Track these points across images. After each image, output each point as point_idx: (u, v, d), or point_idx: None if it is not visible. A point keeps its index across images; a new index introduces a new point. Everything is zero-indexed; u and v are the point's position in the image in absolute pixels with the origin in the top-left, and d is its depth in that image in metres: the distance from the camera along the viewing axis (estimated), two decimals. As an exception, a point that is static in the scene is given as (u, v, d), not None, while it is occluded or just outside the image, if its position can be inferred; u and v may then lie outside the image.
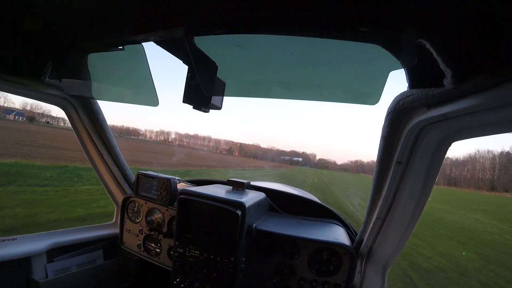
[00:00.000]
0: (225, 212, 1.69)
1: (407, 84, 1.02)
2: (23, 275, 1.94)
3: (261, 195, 2.14)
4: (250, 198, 1.88)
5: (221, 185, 2.28)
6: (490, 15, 0.65)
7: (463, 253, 11.71)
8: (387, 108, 1.16)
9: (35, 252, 1.96)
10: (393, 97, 1.10)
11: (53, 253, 2.12)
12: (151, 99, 1.49)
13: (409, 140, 1.16)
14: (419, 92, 0.95)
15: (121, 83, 1.72)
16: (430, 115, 0.98)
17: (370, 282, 1.79)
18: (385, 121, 1.17)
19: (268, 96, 1.32)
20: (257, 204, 1.97)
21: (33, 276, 1.96)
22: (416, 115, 1.06)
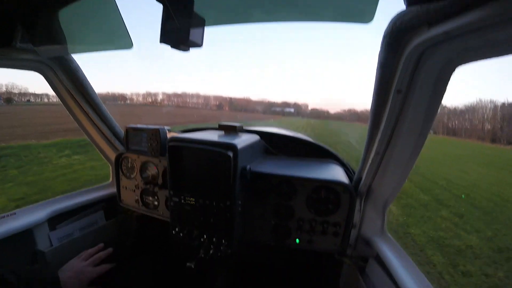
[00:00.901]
0: (217, 156, 1.65)
1: (404, 2, 0.91)
2: (28, 247, 1.94)
3: (255, 137, 2.08)
4: (242, 140, 1.83)
5: (212, 130, 2.23)
6: None
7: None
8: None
9: (36, 223, 1.95)
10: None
11: (54, 221, 2.11)
12: (124, 41, 1.43)
13: (408, 65, 1.05)
14: (418, 9, 0.84)
15: (94, 32, 1.64)
16: (432, 34, 0.88)
17: (370, 220, 1.80)
18: (382, 46, 1.06)
19: (248, 21, 1.22)
20: (250, 146, 1.92)
21: (37, 246, 1.97)
22: (416, 35, 0.95)
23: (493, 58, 0.89)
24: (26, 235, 1.91)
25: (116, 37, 1.50)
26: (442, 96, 1.13)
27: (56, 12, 1.41)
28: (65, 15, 1.43)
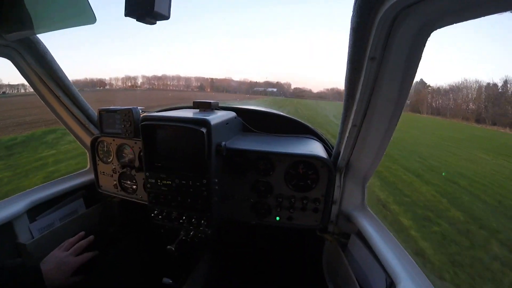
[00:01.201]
0: (190, 133, 1.61)
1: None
2: (9, 240, 1.88)
3: (231, 113, 2.05)
4: (216, 116, 1.80)
5: (187, 109, 2.19)
6: None
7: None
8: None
9: (15, 215, 1.88)
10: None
11: (34, 212, 2.05)
12: (87, 16, 1.34)
13: (382, 30, 1.00)
14: None
15: (56, 9, 1.53)
16: None
17: (350, 195, 1.81)
18: (353, 10, 1.00)
19: None
20: (226, 123, 1.89)
21: (18, 239, 1.91)
22: None
23: (470, 20, 0.86)
24: (5, 228, 1.85)
25: (78, 12, 1.41)
26: (418, 63, 1.10)
27: None
28: None
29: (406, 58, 1.09)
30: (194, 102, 2.08)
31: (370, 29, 1.04)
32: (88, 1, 1.28)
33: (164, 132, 1.71)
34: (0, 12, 1.41)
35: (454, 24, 0.92)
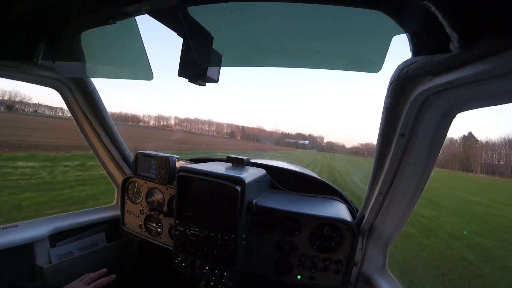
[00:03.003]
0: (225, 189, 1.68)
1: (410, 52, 0.98)
2: (26, 261, 1.94)
3: (261, 171, 2.11)
4: (249, 174, 1.86)
5: (220, 162, 2.26)
6: None
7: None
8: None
9: (37, 238, 1.96)
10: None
11: (55, 238, 2.12)
12: (145, 73, 1.47)
13: (412, 111, 1.13)
14: (423, 59, 0.91)
15: (115, 59, 1.69)
16: (435, 83, 0.94)
17: (372, 258, 1.80)
18: (388, 91, 1.13)
19: (266, 65, 1.30)
20: (257, 181, 1.95)
21: (36, 262, 1.96)
22: (420, 83, 1.02)
23: (494, 106, 0.96)
24: (26, 249, 1.92)
25: (137, 67, 1.54)
26: (443, 141, 1.21)
27: (80, 34, 1.46)
28: (88, 38, 1.48)
29: (432, 136, 1.20)
30: (227, 157, 2.16)
31: (402, 109, 1.16)
32: (148, 59, 1.41)
33: (199, 185, 1.77)
34: (59, 48, 1.52)
35: (477, 108, 1.03)
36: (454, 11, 0.72)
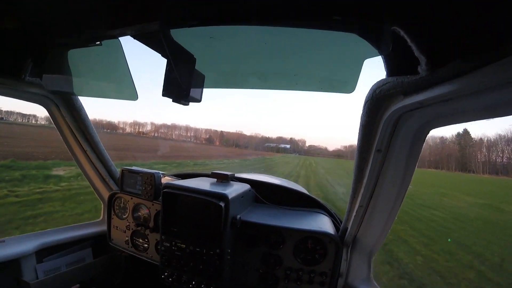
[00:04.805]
0: (209, 205, 1.71)
1: (385, 73, 1.03)
2: (13, 277, 1.93)
3: (246, 186, 2.15)
4: (233, 189, 1.90)
5: (205, 178, 2.29)
6: (462, 1, 0.66)
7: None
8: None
9: (23, 253, 1.95)
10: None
11: (42, 253, 2.11)
12: (130, 93, 1.51)
13: (387, 129, 1.19)
14: (395, 80, 0.97)
15: (101, 79, 1.72)
16: (407, 102, 1.00)
17: (356, 269, 1.84)
18: (363, 110, 1.19)
19: (245, 87, 1.35)
20: (241, 196, 1.98)
21: (23, 277, 1.95)
22: (393, 103, 1.08)
23: (463, 123, 1.02)
24: (12, 264, 1.91)
25: (122, 87, 1.58)
26: (419, 155, 1.28)
27: (67, 52, 1.49)
28: (75, 56, 1.51)
29: (408, 151, 1.27)
30: (212, 173, 2.20)
31: (378, 127, 1.22)
32: (133, 79, 1.45)
33: (184, 201, 1.80)
34: (46, 65, 1.54)
35: (449, 125, 1.10)
36: (421, 36, 0.77)
